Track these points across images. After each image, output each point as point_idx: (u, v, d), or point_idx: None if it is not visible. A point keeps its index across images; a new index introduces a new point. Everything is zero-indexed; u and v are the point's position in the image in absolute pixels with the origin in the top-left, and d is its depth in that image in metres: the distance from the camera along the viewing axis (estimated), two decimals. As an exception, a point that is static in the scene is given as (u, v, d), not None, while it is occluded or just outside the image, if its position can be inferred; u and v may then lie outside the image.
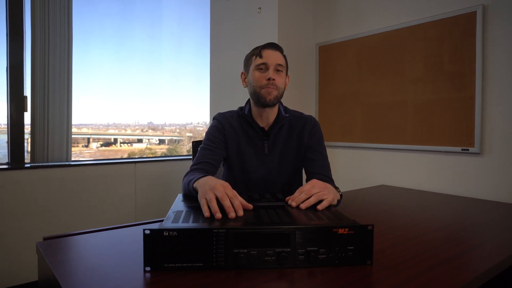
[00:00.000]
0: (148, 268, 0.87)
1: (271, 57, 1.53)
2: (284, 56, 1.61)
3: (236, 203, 1.07)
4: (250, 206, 1.11)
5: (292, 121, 1.66)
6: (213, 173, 1.54)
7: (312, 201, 1.19)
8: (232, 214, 1.02)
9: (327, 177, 1.57)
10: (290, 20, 3.21)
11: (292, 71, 3.24)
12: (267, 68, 1.53)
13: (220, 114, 1.68)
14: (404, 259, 1.00)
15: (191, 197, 1.33)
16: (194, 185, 1.26)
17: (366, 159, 2.99)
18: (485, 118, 2.34)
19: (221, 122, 1.64)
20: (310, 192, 1.21)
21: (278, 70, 1.54)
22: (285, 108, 1.70)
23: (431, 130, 2.58)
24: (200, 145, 1.63)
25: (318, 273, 0.89)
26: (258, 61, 1.54)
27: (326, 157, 1.65)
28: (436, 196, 2.13)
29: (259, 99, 1.55)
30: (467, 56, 2.40)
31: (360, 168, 3.02)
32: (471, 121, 2.38)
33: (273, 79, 1.51)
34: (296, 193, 1.23)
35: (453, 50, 2.47)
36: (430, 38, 2.58)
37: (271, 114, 1.62)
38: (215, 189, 1.11)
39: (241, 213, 1.05)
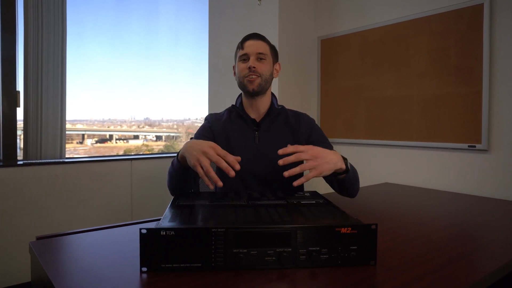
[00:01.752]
0: (144, 269, 0.87)
1: (251, 46, 1.60)
2: (269, 44, 1.66)
3: (231, 159, 1.15)
4: (239, 158, 1.18)
5: (287, 116, 1.69)
6: None
7: (296, 171, 1.18)
8: (232, 173, 1.12)
9: None
10: (291, 13, 3.20)
11: (293, 65, 3.23)
12: (248, 58, 1.59)
13: (210, 115, 1.74)
14: (409, 259, 0.99)
15: (181, 180, 1.36)
16: (180, 153, 1.31)
17: (369, 156, 2.99)
18: (493, 113, 2.33)
19: (209, 122, 1.69)
20: (299, 157, 1.20)
21: (260, 59, 1.59)
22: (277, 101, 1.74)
23: (437, 126, 2.57)
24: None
25: (320, 274, 0.88)
26: (240, 52, 1.62)
27: (332, 147, 1.61)
28: (442, 194, 2.13)
29: (244, 88, 1.62)
30: (473, 49, 2.39)
31: (364, 165, 3.01)
32: (478, 117, 2.37)
33: (254, 67, 1.56)
34: (290, 148, 1.22)
35: (459, 43, 2.46)
36: (435, 31, 2.57)
37: (262, 104, 1.66)
38: (206, 153, 1.17)
39: (238, 166, 1.15)
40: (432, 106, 2.59)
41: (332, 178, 1.44)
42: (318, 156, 1.23)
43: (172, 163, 1.42)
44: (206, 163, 1.15)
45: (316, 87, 3.39)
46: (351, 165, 1.41)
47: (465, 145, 2.44)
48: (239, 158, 1.17)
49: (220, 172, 1.28)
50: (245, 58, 1.61)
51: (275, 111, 1.66)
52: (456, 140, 2.48)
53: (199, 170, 1.16)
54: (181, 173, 1.36)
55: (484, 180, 2.36)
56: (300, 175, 1.22)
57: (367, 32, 2.99)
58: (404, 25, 2.75)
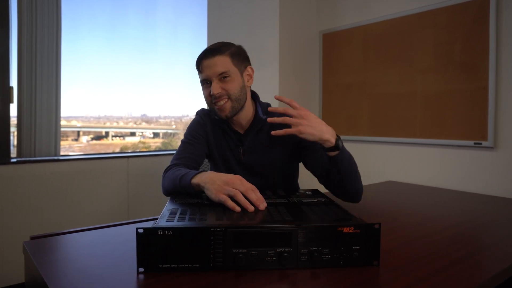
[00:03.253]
0: (141, 269, 0.87)
1: (209, 68, 1.45)
2: (230, 53, 1.47)
3: (259, 195, 1.12)
4: (265, 205, 1.13)
5: (273, 124, 1.47)
6: (196, 170, 1.47)
7: (278, 120, 1.28)
8: (262, 206, 1.08)
9: None
10: (292, 6, 3.19)
11: (294, 60, 3.22)
12: (210, 82, 1.46)
13: (202, 110, 1.66)
14: (413, 260, 0.99)
15: (182, 193, 1.31)
16: (195, 181, 1.24)
17: (372, 154, 2.99)
18: (499, 110, 2.33)
19: (203, 119, 1.62)
20: (286, 112, 1.29)
21: (224, 77, 1.44)
22: (265, 108, 1.60)
23: (442, 122, 2.57)
24: (182, 140, 1.60)
25: (321, 275, 0.88)
26: (201, 77, 1.50)
27: None
28: (447, 193, 2.13)
29: (216, 116, 1.54)
30: (479, 44, 2.39)
31: (367, 163, 3.01)
32: (484, 113, 2.37)
33: (218, 93, 1.44)
34: (285, 99, 1.31)
35: (465, 38, 2.45)
36: (440, 25, 2.57)
37: (243, 118, 1.55)
38: (232, 183, 1.13)
39: (263, 207, 1.09)
40: (437, 102, 2.59)
41: (326, 167, 1.40)
42: (305, 118, 1.27)
43: (181, 180, 1.30)
44: (234, 191, 1.10)
45: (317, 83, 3.38)
46: (348, 152, 1.38)
47: (470, 142, 2.43)
48: (265, 204, 1.11)
49: None
50: (206, 82, 1.48)
51: (260, 122, 1.55)
52: (462, 137, 2.47)
53: (222, 197, 1.10)
54: (185, 192, 1.31)
55: (490, 178, 2.36)
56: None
57: (370, 26, 2.98)
58: (408, 19, 2.74)
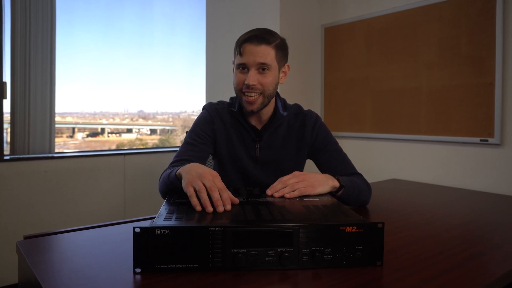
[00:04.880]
0: (138, 270, 0.87)
1: (252, 55, 1.40)
2: (275, 45, 1.44)
3: (225, 196, 1.08)
4: (237, 200, 1.13)
5: (290, 121, 1.58)
6: None
7: (295, 194, 1.24)
8: (220, 208, 1.03)
9: (352, 174, 1.56)
10: (293, -2, 3.18)
11: (295, 55, 3.21)
12: (247, 69, 1.42)
13: (210, 105, 1.62)
14: (417, 260, 0.99)
15: (173, 190, 1.31)
16: (178, 171, 1.24)
17: (376, 151, 2.98)
18: (506, 106, 2.33)
19: (211, 114, 1.58)
20: (287, 183, 1.27)
21: (263, 69, 1.42)
22: (284, 103, 1.62)
23: (447, 119, 2.57)
24: (185, 138, 1.58)
25: (323, 275, 0.88)
26: (238, 59, 1.44)
27: (340, 150, 1.60)
28: (452, 191, 2.13)
29: (241, 104, 1.50)
30: (486, 38, 2.38)
31: (370, 161, 3.01)
32: (491, 109, 2.37)
33: (254, 85, 1.41)
34: (275, 184, 1.29)
35: (471, 31, 2.44)
36: (445, 18, 2.56)
37: (264, 113, 1.53)
38: (203, 177, 1.11)
39: (229, 207, 1.05)
40: (442, 98, 2.59)
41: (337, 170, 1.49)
42: (305, 179, 1.29)
43: (169, 175, 1.31)
44: (200, 184, 1.08)
45: (319, 78, 3.38)
46: (351, 179, 1.44)
47: (477, 139, 2.43)
48: (237, 200, 1.12)
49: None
50: (243, 67, 1.44)
51: (280, 119, 1.55)
52: (468, 134, 2.47)
53: (190, 189, 1.09)
54: (178, 189, 1.29)
55: (497, 176, 2.36)
56: None
57: (373, 20, 2.97)
58: (412, 12, 2.74)
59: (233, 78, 1.49)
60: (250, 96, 1.43)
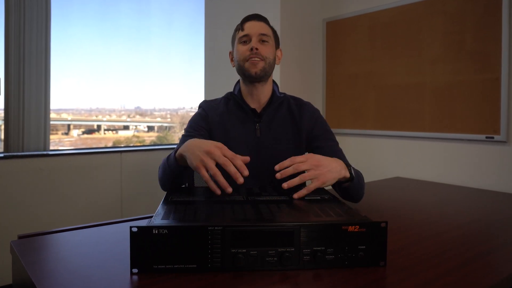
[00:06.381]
0: (135, 270, 0.87)
1: (253, 27, 1.57)
2: (272, 28, 1.64)
3: (239, 164, 1.10)
4: (248, 158, 1.14)
5: (289, 105, 1.66)
6: None
7: (295, 182, 1.20)
8: (240, 180, 1.08)
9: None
10: (294, -8, 3.18)
11: (296, 50, 3.21)
12: (250, 40, 1.56)
13: (205, 102, 1.70)
14: (421, 260, 0.99)
15: (174, 178, 1.32)
16: (179, 152, 1.25)
17: (379, 148, 2.98)
18: (512, 102, 2.32)
19: (205, 110, 1.65)
20: (299, 168, 1.20)
21: (263, 41, 1.56)
22: (278, 88, 1.71)
23: (452, 115, 2.56)
24: (182, 135, 1.63)
25: (325, 276, 0.88)
26: (240, 34, 1.58)
27: (337, 143, 1.63)
28: (457, 190, 2.13)
29: (244, 73, 1.57)
30: (491, 33, 2.37)
31: (373, 158, 3.01)
32: (496, 105, 2.36)
33: (257, 48, 1.53)
34: (287, 162, 1.22)
35: (476, 26, 2.44)
36: (450, 12, 2.56)
37: (263, 92, 1.61)
38: (211, 153, 1.12)
39: (246, 173, 1.10)
40: (447, 94, 2.58)
41: (335, 185, 1.43)
42: (320, 165, 1.23)
43: (168, 158, 1.35)
44: (212, 165, 1.10)
45: (321, 74, 3.37)
46: (355, 170, 1.41)
47: (482, 136, 2.43)
48: (247, 158, 1.13)
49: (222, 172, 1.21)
50: (245, 40, 1.56)
51: (278, 99, 1.63)
52: (473, 131, 2.47)
53: (204, 173, 1.11)
54: (177, 172, 1.32)
55: (503, 174, 2.36)
56: (300, 186, 1.22)
57: (376, 14, 2.97)
58: (416, 6, 2.73)
59: (235, 55, 1.61)
60: (254, 60, 1.53)
